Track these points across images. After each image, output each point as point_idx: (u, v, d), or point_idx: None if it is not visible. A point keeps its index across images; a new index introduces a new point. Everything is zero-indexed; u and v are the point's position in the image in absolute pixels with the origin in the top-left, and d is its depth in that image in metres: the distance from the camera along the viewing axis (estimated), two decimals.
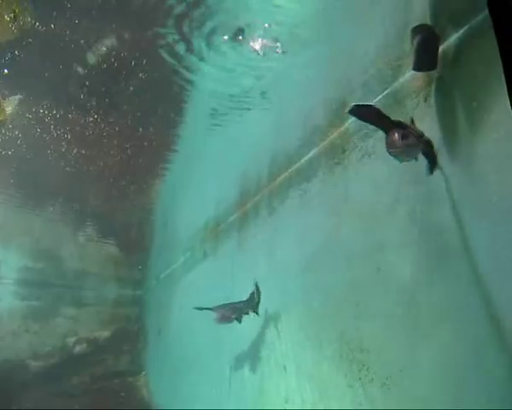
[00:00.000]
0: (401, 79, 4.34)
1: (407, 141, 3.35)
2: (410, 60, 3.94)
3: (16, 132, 8.34)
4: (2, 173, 10.33)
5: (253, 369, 6.85)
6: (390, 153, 3.45)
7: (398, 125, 3.46)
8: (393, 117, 3.52)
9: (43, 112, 7.69)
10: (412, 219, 4.03)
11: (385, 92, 4.52)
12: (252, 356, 6.94)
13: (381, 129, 3.55)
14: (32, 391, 12.17)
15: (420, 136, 3.63)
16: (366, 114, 3.60)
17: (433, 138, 3.80)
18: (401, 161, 3.60)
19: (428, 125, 3.86)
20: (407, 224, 4.08)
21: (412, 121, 3.89)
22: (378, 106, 3.65)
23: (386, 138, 3.44)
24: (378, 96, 4.62)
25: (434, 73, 3.90)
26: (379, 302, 4.34)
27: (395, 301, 4.15)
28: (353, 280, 4.72)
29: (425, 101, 4.01)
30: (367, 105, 3.65)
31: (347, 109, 3.51)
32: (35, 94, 7.19)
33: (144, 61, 6.13)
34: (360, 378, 4.51)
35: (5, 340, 12.84)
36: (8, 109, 3.98)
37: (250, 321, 7.03)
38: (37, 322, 13.45)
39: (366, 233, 4.59)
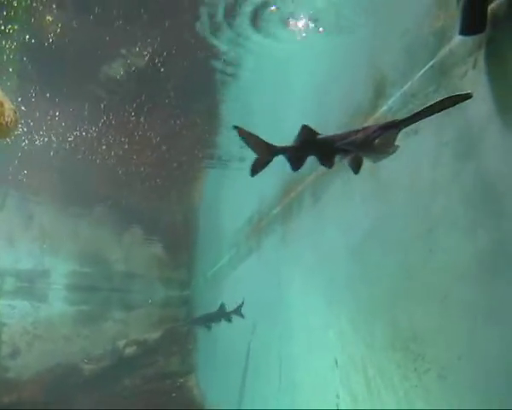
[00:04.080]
0: (447, 47, 4.04)
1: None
2: (456, 24, 3.66)
3: (57, 138, 8.40)
4: (46, 181, 10.47)
5: (304, 364, 6.64)
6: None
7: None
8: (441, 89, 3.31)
9: (84, 116, 7.71)
10: (466, 197, 3.74)
11: (430, 63, 4.22)
12: (301, 351, 6.74)
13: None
14: (86, 394, 12.34)
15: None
16: None
17: (485, 108, 3.52)
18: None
19: (480, 95, 3.56)
20: (461, 203, 3.79)
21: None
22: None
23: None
24: (422, 68, 4.33)
25: (483, 36, 3.60)
26: (433, 287, 4.06)
27: (450, 285, 3.87)
28: (404, 265, 4.45)
29: (474, 68, 3.71)
30: None
31: None
32: (75, 98, 7.19)
33: (182, 59, 6.06)
34: (415, 369, 4.24)
35: (58, 344, 13.06)
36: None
37: (299, 315, 6.85)
38: (87, 326, 13.61)
39: (416, 215, 4.31)
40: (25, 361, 12.40)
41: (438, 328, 4.02)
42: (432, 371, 4.03)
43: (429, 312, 4.11)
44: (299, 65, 5.67)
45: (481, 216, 3.62)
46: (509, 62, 3.40)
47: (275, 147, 4.28)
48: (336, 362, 5.67)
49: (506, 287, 3.35)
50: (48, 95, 7.16)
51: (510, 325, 3.31)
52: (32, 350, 12.63)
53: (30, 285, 12.96)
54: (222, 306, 10.16)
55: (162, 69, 6.48)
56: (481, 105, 3.56)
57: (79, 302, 13.63)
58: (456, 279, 3.81)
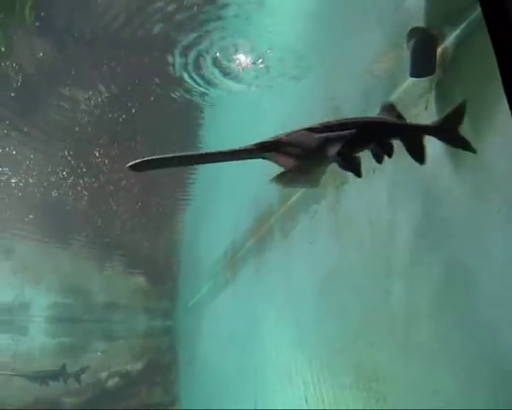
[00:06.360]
0: (400, 89, 4.07)
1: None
2: (407, 66, 3.69)
3: (38, 171, 8.35)
4: (26, 214, 10.39)
5: (277, 399, 6.57)
6: None
7: None
8: None
9: (64, 148, 7.68)
10: (418, 237, 3.74)
11: None
12: (275, 385, 6.67)
13: None
14: None
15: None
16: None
17: (436, 147, 3.51)
18: None
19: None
20: (413, 243, 3.79)
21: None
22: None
23: None
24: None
25: (433, 78, 3.63)
26: (390, 328, 4.04)
27: (408, 327, 3.85)
28: (365, 305, 4.43)
29: (425, 109, 3.73)
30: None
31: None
32: (54, 130, 7.17)
33: (159, 93, 6.07)
34: None
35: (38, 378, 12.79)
36: None
37: (272, 350, 6.80)
38: (68, 358, 13.36)
39: (374, 255, 4.31)
40: (3, 396, 12.15)
41: (398, 370, 3.99)
42: None
43: (390, 353, 4.08)
44: (264, 104, 5.70)
45: (436, 257, 3.61)
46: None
47: None
48: (306, 400, 5.61)
49: (462, 331, 3.34)
50: (21, 133, 7.15)
51: (464, 368, 3.29)
52: (11, 385, 12.38)
53: (10, 318, 12.77)
54: (63, 366, 11.81)
55: (141, 102, 6.49)
56: (433, 146, 3.56)
57: (60, 334, 13.43)
58: (413, 322, 3.79)
